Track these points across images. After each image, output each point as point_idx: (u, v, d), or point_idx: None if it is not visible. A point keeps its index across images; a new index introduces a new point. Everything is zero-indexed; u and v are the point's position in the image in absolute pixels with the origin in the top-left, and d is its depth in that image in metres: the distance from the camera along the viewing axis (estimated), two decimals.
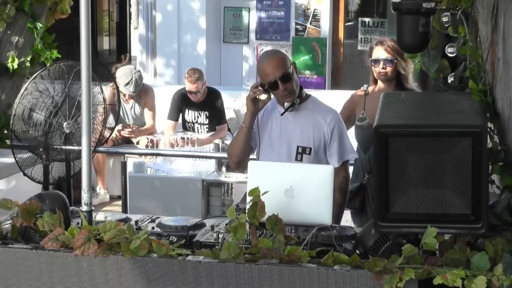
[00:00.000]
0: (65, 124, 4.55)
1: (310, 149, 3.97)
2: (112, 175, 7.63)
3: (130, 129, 7.55)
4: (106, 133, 5.40)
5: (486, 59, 2.92)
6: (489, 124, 2.84)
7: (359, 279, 2.59)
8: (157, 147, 6.83)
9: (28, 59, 4.74)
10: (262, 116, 4.03)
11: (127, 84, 7.37)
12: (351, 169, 4.39)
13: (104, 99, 4.89)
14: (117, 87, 5.16)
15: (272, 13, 10.28)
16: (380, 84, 4.68)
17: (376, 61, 4.62)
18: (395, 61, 4.59)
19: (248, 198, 2.85)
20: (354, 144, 4.38)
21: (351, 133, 4.45)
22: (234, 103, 7.51)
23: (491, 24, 2.87)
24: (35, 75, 4.47)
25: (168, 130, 7.50)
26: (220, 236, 3.01)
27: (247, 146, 4.06)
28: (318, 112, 4.03)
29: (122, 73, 7.37)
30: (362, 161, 4.62)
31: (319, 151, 3.99)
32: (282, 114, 3.99)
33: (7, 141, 4.64)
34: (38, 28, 4.74)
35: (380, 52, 4.62)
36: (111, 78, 5.22)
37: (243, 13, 10.40)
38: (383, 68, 4.60)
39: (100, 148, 5.52)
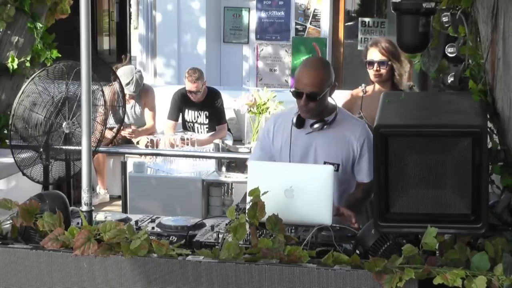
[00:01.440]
0: (65, 124, 4.55)
1: (338, 165, 3.74)
2: (112, 175, 7.63)
3: (130, 130, 7.56)
4: (107, 133, 5.39)
5: (486, 59, 2.92)
6: (489, 124, 2.84)
7: (359, 279, 2.59)
8: (157, 147, 6.82)
9: (28, 59, 4.74)
10: (282, 128, 3.84)
11: (127, 84, 7.37)
12: None
13: (105, 99, 4.88)
14: (122, 88, 5.15)
15: (272, 13, 10.28)
16: (377, 84, 4.69)
17: (370, 63, 4.63)
18: (389, 63, 4.59)
19: (248, 198, 2.85)
20: None
21: None
22: (234, 103, 7.49)
23: (491, 24, 2.87)
24: (34, 75, 4.47)
25: (168, 130, 7.50)
26: (220, 236, 3.01)
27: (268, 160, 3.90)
28: (346, 127, 3.81)
29: (123, 73, 7.37)
30: None
31: (347, 167, 3.80)
32: (296, 126, 3.78)
33: (7, 141, 4.64)
34: (38, 28, 4.74)
35: (374, 54, 4.62)
36: (113, 77, 5.20)
37: (243, 13, 10.40)
38: (377, 70, 4.61)
39: (100, 148, 5.51)
